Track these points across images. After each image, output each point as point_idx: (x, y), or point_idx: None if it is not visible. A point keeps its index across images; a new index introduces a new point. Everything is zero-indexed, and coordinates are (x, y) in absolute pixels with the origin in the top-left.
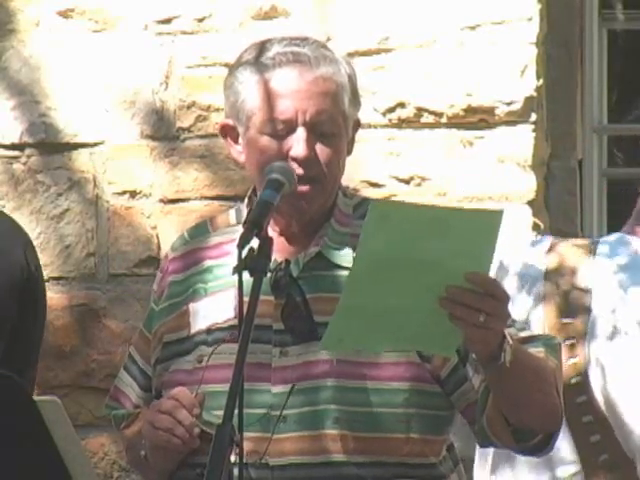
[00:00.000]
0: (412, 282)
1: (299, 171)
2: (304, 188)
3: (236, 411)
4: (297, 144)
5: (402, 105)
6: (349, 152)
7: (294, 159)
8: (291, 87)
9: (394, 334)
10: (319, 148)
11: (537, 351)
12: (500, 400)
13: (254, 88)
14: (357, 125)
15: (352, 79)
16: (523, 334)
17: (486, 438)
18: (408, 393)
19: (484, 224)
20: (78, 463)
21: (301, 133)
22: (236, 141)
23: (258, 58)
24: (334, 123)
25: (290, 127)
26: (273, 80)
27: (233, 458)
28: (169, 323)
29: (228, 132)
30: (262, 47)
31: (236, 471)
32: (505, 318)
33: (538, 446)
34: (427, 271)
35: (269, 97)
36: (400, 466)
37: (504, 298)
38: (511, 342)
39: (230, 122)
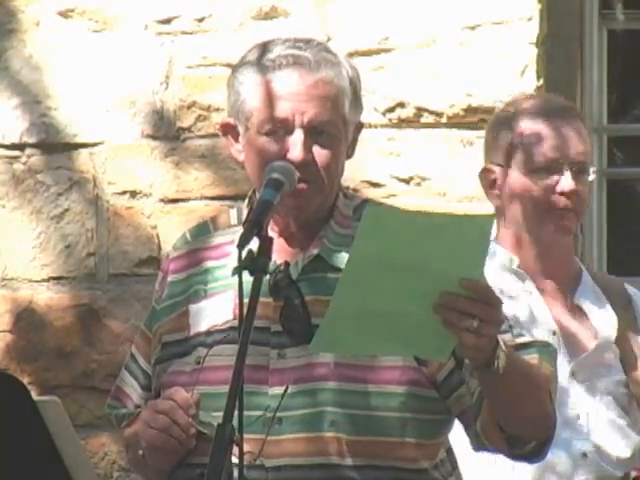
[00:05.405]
0: (404, 286)
1: (296, 174)
2: (301, 186)
3: (236, 412)
4: (294, 147)
5: (402, 105)
6: (350, 155)
7: (291, 162)
8: (290, 89)
9: (387, 338)
10: (316, 151)
11: (531, 358)
12: (493, 406)
13: (254, 89)
14: (359, 128)
15: (354, 82)
16: (519, 340)
17: (480, 443)
18: (404, 397)
19: (475, 229)
20: (78, 463)
21: (298, 135)
22: (236, 140)
23: (260, 59)
24: (333, 126)
25: (287, 128)
26: (273, 82)
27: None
28: (169, 323)
29: (229, 131)
30: (265, 48)
31: (236, 472)
32: (498, 324)
33: (532, 453)
34: (419, 276)
35: (268, 98)
36: (394, 470)
37: (497, 304)
38: (505, 349)
39: (231, 121)
